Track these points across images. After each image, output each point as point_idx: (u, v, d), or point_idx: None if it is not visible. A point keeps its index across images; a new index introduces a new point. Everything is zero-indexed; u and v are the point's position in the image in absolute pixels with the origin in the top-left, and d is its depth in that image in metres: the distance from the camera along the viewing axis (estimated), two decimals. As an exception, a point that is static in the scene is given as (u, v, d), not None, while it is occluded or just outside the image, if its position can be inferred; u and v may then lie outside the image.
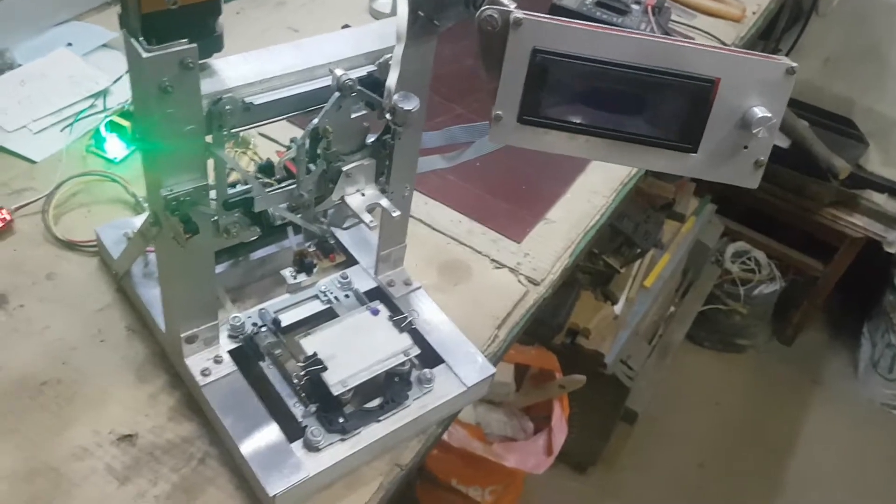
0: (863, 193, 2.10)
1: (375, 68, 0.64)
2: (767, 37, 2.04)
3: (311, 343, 0.71)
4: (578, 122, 0.59)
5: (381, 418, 0.71)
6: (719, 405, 2.19)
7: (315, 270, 0.72)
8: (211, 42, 0.54)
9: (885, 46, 2.07)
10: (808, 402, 2.25)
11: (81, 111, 1.00)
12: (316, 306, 0.79)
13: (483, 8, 0.56)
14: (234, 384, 0.71)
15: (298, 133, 0.63)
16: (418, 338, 0.76)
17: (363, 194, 0.68)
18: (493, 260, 0.93)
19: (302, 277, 0.72)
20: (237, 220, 0.65)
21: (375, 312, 0.75)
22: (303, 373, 0.69)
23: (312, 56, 0.61)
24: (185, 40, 0.52)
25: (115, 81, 1.04)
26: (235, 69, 0.58)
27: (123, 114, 0.96)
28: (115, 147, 0.94)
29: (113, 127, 0.94)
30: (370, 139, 0.67)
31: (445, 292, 0.87)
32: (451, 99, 1.13)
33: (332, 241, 0.71)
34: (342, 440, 0.69)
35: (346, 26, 1.20)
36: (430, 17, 0.61)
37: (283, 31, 1.22)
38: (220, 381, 0.71)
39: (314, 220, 0.68)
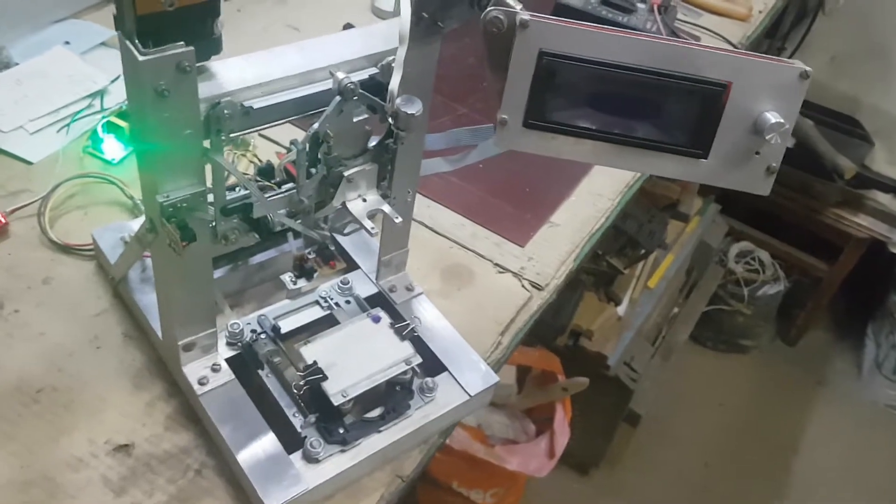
0: (868, 193, 2.08)
1: (378, 71, 0.62)
2: (773, 35, 2.02)
3: (311, 351, 0.69)
4: (586, 126, 0.57)
5: (382, 429, 0.69)
6: (723, 406, 2.18)
7: (315, 276, 0.71)
8: (209, 44, 0.53)
9: (891, 45, 2.05)
10: (813, 403, 2.24)
11: (79, 111, 0.98)
12: (316, 312, 0.78)
13: (489, 9, 0.54)
14: (233, 393, 0.69)
15: (299, 134, 0.62)
16: (420, 345, 0.75)
17: (364, 200, 0.67)
18: (496, 264, 0.91)
19: (302, 283, 0.70)
20: (236, 226, 0.64)
21: (377, 320, 0.74)
22: (302, 382, 0.68)
23: (313, 58, 0.60)
24: (182, 43, 0.50)
25: (113, 81, 1.02)
26: (234, 72, 0.56)
27: (121, 114, 0.94)
28: (113, 148, 0.93)
29: (110, 128, 0.93)
30: (372, 143, 0.66)
31: (448, 297, 0.86)
32: (454, 99, 1.11)
33: (332, 248, 0.69)
34: (342, 451, 0.67)
35: (348, 24, 1.18)
36: (434, 19, 0.59)
37: (284, 30, 1.20)
38: (217, 390, 0.69)
39: (314, 226, 0.66)
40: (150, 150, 0.54)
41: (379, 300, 0.79)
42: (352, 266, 0.82)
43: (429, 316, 0.79)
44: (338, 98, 0.59)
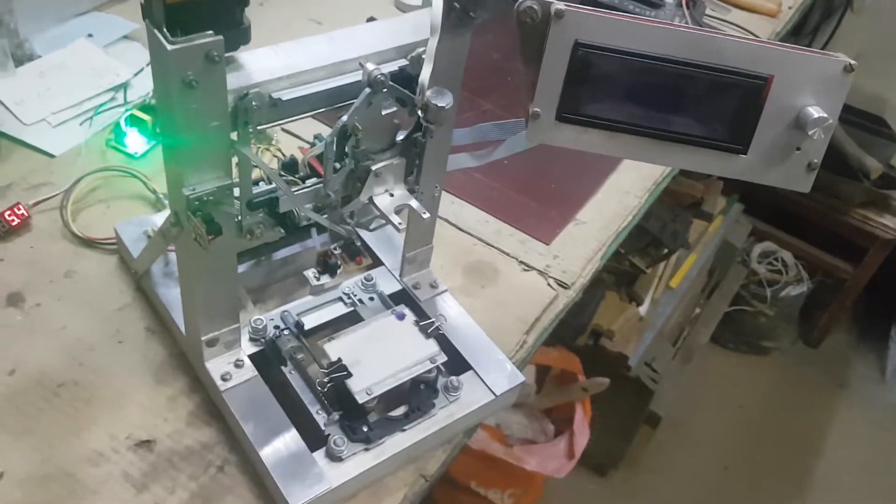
0: (894, 194, 2.05)
1: (407, 62, 0.61)
2: (799, 33, 1.99)
3: (334, 348, 0.68)
4: (620, 119, 0.56)
5: (406, 427, 0.68)
6: (743, 408, 2.15)
7: (339, 272, 0.69)
8: (237, 34, 0.52)
9: (920, 44, 2.02)
10: (834, 406, 2.20)
11: (101, 104, 0.98)
12: (339, 309, 0.77)
13: (522, -1, 0.53)
14: (255, 389, 0.68)
15: (322, 129, 0.61)
16: (445, 344, 0.73)
17: (392, 194, 0.65)
18: (521, 262, 0.90)
19: (325, 279, 0.69)
20: (261, 220, 0.63)
21: (401, 317, 0.73)
22: (326, 379, 0.67)
23: (342, 49, 0.58)
24: (211, 32, 0.49)
25: (136, 74, 1.02)
26: (263, 63, 0.55)
27: (144, 107, 0.94)
28: (136, 142, 0.92)
29: (133, 121, 0.92)
30: (400, 137, 0.64)
31: (472, 295, 0.85)
32: (479, 94, 1.10)
33: (358, 244, 0.68)
34: (366, 450, 0.66)
35: (370, 18, 1.17)
36: (465, 9, 0.58)
37: (306, 23, 1.19)
38: (240, 386, 0.68)
39: (340, 221, 0.65)
40: (176, 142, 0.53)
41: (403, 297, 0.78)
42: (375, 262, 0.81)
43: (453, 314, 0.78)
44: (367, 90, 0.57)
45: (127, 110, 0.93)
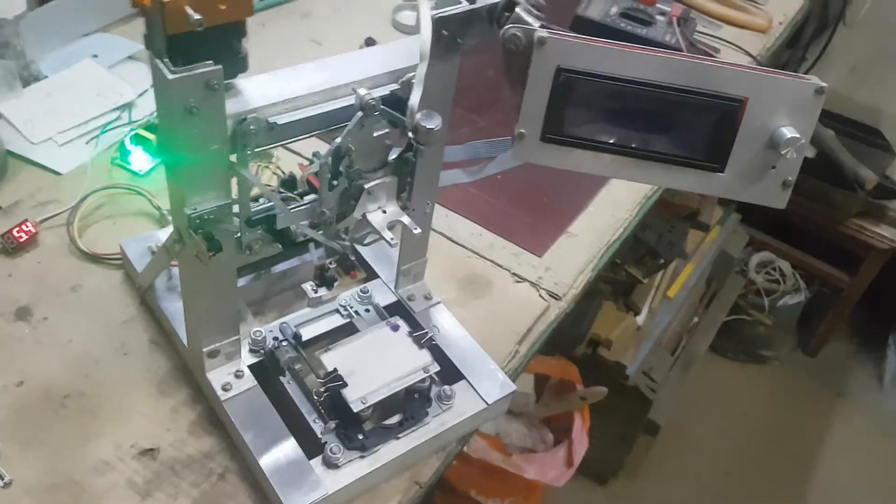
0: (890, 204, 2.06)
1: (398, 86, 0.63)
2: (793, 46, 2.02)
3: (331, 359, 0.71)
4: (603, 140, 0.58)
5: (400, 435, 0.70)
6: (743, 417, 2.16)
7: (336, 285, 0.72)
8: (236, 63, 0.54)
9: (914, 55, 2.04)
10: (833, 415, 2.21)
11: (107, 123, 1.00)
12: (336, 320, 0.79)
13: (507, 27, 0.56)
14: (255, 399, 0.71)
15: (322, 146, 0.63)
16: (438, 354, 0.76)
17: (384, 211, 0.68)
18: (513, 274, 0.92)
19: (323, 291, 0.72)
20: (260, 236, 0.65)
21: (396, 328, 0.75)
22: (323, 388, 0.69)
23: (336, 75, 0.61)
24: (211, 62, 0.52)
25: (140, 94, 1.04)
26: (260, 89, 0.58)
27: (149, 126, 0.96)
28: (140, 160, 0.95)
29: (138, 140, 0.95)
30: (392, 156, 0.67)
31: (465, 307, 0.87)
32: (474, 111, 1.12)
33: (352, 258, 0.71)
34: (361, 457, 0.68)
35: (369, 39, 1.20)
36: (453, 36, 0.61)
37: (307, 44, 1.22)
38: (240, 396, 0.71)
39: (335, 236, 0.68)
40: (178, 163, 0.56)
41: (398, 309, 0.80)
42: (371, 275, 0.84)
43: (447, 325, 0.80)
44: (359, 114, 0.60)
45: (132, 129, 0.96)
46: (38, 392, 0.73)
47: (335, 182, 0.65)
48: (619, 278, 1.68)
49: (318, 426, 0.70)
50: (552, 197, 1.03)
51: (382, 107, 0.61)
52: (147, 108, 1.03)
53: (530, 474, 1.43)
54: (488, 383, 0.76)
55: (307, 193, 0.69)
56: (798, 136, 0.56)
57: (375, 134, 0.64)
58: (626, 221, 1.02)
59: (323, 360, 0.71)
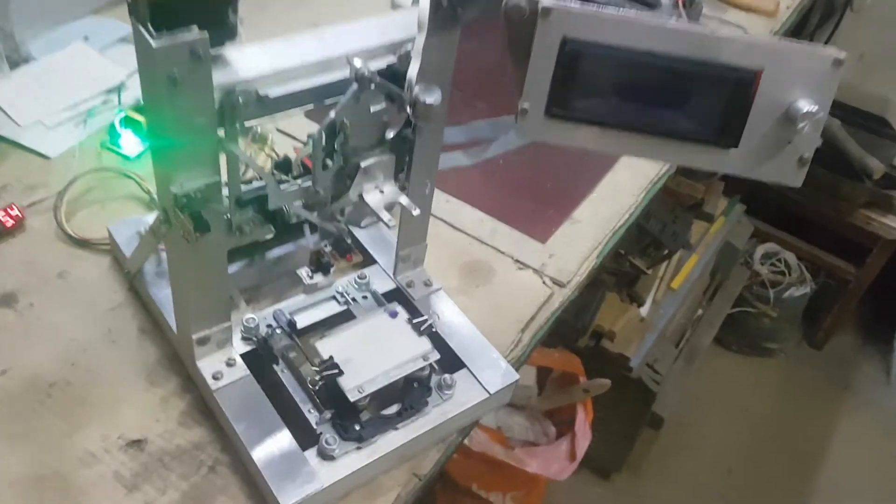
0: (897, 194, 2.04)
1: (396, 60, 0.61)
2: (799, 33, 1.99)
3: (326, 346, 0.68)
4: (610, 116, 0.55)
5: (399, 426, 0.68)
6: (747, 410, 2.14)
7: (332, 270, 0.69)
8: (223, 31, 0.52)
9: (922, 44, 2.01)
10: (839, 408, 2.19)
11: (96, 106, 0.98)
12: (333, 308, 0.76)
13: (509, -5, 0.53)
14: (247, 388, 0.68)
15: (316, 128, 0.61)
16: (439, 342, 0.73)
17: (382, 191, 0.65)
18: (516, 261, 0.89)
19: (318, 278, 0.69)
20: (251, 217, 0.63)
21: (394, 315, 0.72)
22: (318, 377, 0.67)
23: (331, 46, 0.58)
24: (196, 28, 0.49)
25: (130, 76, 1.02)
26: (249, 60, 0.55)
27: (139, 109, 0.94)
28: (131, 143, 0.92)
29: (128, 122, 0.92)
30: (390, 134, 0.64)
31: (467, 294, 0.84)
32: (475, 95, 1.09)
33: (348, 241, 0.68)
34: (358, 448, 0.66)
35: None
36: (453, 6, 0.58)
37: (303, 27, 1.19)
38: (232, 386, 0.68)
39: (330, 218, 0.65)
40: (163, 139, 0.53)
41: (396, 296, 0.78)
42: (369, 261, 0.81)
43: (447, 312, 0.78)
44: (354, 86, 0.57)
45: (121, 111, 0.94)
46: (22, 381, 0.71)
47: (329, 161, 0.62)
48: (622, 269, 1.66)
49: (313, 416, 0.67)
50: (555, 183, 1.01)
51: (379, 78, 0.58)
52: (138, 90, 0.98)
53: (532, 468, 1.41)
54: (490, 372, 0.73)
55: (302, 176, 0.67)
56: (815, 108, 0.53)
57: (372, 109, 0.61)
58: (632, 207, 0.99)
59: (318, 347, 0.68)
